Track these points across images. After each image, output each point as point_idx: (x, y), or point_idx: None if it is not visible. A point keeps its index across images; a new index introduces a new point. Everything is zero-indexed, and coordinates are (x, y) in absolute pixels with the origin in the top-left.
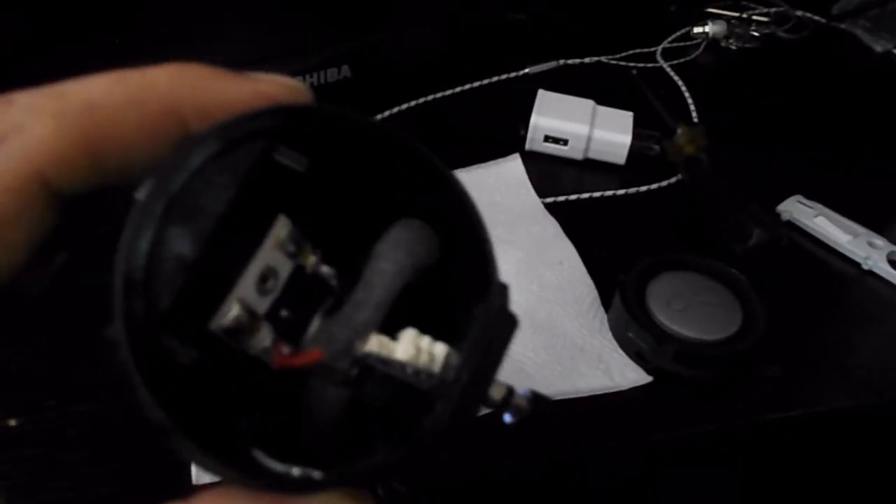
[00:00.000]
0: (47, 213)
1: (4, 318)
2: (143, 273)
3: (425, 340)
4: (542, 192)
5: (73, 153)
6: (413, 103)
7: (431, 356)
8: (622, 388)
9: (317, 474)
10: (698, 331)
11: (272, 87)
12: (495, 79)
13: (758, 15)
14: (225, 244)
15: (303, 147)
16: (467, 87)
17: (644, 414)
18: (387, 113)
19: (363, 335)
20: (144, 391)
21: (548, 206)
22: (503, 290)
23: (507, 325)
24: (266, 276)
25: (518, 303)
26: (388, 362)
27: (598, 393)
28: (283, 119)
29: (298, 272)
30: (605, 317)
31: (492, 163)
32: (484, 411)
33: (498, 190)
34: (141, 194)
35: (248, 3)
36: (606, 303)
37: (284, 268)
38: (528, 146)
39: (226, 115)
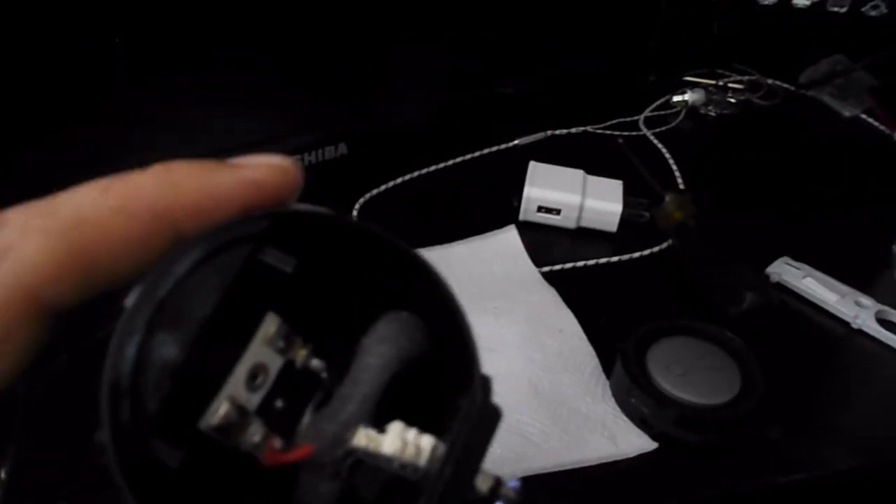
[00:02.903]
0: (39, 327)
1: (8, 423)
2: (130, 379)
3: (412, 433)
4: (537, 262)
5: (63, 269)
6: (408, 177)
7: (418, 449)
8: (628, 455)
9: None
10: (699, 395)
11: (258, 171)
12: (486, 151)
13: (733, 83)
14: (213, 344)
15: (290, 244)
16: (459, 159)
17: (651, 480)
18: (383, 187)
19: (350, 429)
20: (129, 496)
21: (544, 275)
22: (486, 382)
23: (490, 417)
24: (256, 373)
25: (521, 372)
26: (375, 456)
27: (604, 461)
28: (269, 222)
29: (289, 366)
30: (606, 383)
31: (488, 234)
32: None
33: (495, 261)
34: (129, 301)
35: (247, 87)
36: (607, 369)
37: (274, 363)
38: (521, 216)
39: (216, 209)
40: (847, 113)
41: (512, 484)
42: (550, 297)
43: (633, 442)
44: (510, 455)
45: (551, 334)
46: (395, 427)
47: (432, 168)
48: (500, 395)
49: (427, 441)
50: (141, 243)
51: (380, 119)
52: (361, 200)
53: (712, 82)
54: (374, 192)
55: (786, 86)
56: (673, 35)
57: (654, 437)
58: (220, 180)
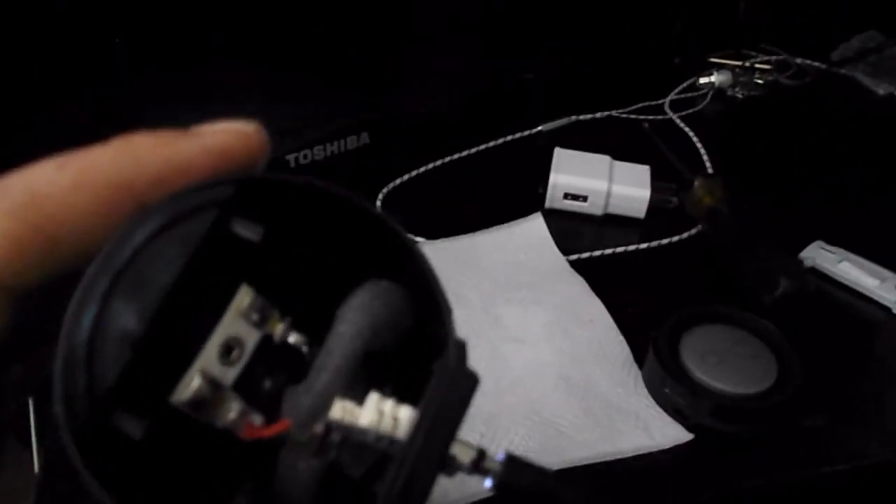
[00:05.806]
0: (4, 309)
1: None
2: (86, 350)
3: (388, 404)
4: (564, 250)
5: (21, 248)
6: (431, 166)
7: (395, 420)
8: (663, 447)
9: None
10: (735, 384)
11: (220, 138)
12: (510, 138)
13: (760, 63)
14: (180, 316)
15: (261, 214)
16: (483, 147)
17: (687, 472)
18: (406, 177)
19: (326, 401)
20: (84, 470)
21: (571, 263)
22: (461, 346)
23: (465, 382)
24: (230, 347)
25: (551, 363)
26: (353, 429)
27: (639, 453)
28: (232, 189)
29: (267, 341)
30: (639, 374)
31: (514, 223)
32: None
33: (522, 250)
34: (87, 273)
35: (269, 78)
36: (639, 359)
37: (251, 337)
38: (547, 204)
39: (179, 179)
40: (881, 91)
41: (498, 457)
42: (579, 285)
43: (668, 433)
44: (542, 447)
45: (581, 324)
46: (372, 398)
47: (455, 156)
48: (528, 387)
49: (405, 412)
50: (103, 218)
51: (401, 108)
52: (385, 190)
53: (738, 63)
54: (398, 181)
55: (816, 64)
56: (698, 15)
57: (689, 428)
58: (181, 149)
